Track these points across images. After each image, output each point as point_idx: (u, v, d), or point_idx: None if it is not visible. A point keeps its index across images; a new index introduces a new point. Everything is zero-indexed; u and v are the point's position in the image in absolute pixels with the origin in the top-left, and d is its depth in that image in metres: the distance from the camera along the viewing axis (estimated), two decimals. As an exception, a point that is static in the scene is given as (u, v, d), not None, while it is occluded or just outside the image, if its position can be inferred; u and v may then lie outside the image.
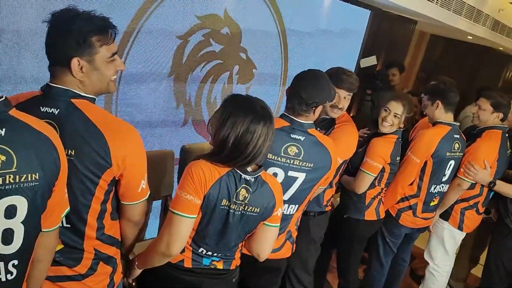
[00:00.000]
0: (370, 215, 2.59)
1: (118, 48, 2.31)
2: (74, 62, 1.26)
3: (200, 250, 1.60)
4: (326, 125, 2.29)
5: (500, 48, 7.07)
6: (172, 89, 2.73)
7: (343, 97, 2.20)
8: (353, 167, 2.53)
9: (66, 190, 1.21)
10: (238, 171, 1.53)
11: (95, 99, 1.36)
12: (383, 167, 2.48)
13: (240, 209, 1.55)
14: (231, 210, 1.54)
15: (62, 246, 1.35)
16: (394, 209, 2.72)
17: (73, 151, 1.27)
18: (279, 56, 3.36)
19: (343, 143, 2.20)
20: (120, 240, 1.52)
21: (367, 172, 2.45)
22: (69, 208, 1.24)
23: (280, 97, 3.53)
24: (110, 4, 2.21)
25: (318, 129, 2.23)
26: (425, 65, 7.81)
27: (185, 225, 1.50)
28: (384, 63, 4.31)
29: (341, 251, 2.76)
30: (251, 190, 1.55)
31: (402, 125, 2.53)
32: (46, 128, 1.12)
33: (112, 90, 1.41)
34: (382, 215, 2.64)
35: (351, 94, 2.22)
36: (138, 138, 1.39)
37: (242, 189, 1.54)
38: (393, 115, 2.47)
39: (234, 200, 1.53)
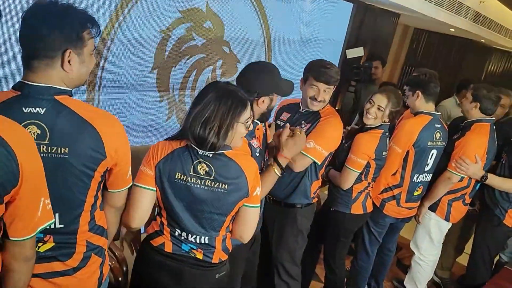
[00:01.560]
0: (356, 208, 2.59)
1: (101, 42, 2.32)
2: (67, 54, 1.24)
3: (176, 233, 1.62)
4: (311, 118, 2.29)
5: (482, 40, 7.17)
6: (155, 83, 2.71)
7: (323, 90, 2.20)
8: (339, 162, 2.54)
9: (43, 201, 1.15)
10: (194, 146, 1.53)
11: (71, 92, 1.34)
12: (368, 163, 2.49)
13: (206, 184, 1.54)
14: (191, 184, 1.54)
15: (53, 244, 1.34)
16: (378, 199, 2.75)
17: (66, 148, 1.25)
18: (262, 49, 3.36)
19: (327, 135, 2.21)
20: (106, 229, 1.51)
21: (351, 168, 2.46)
22: (52, 220, 1.19)
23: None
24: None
25: (303, 122, 2.25)
26: (409, 58, 7.88)
27: (141, 195, 1.58)
28: (368, 56, 4.33)
29: (327, 244, 2.78)
30: (212, 165, 1.54)
31: (387, 119, 2.50)
32: (7, 135, 1.04)
33: (85, 83, 1.42)
34: (370, 209, 2.65)
35: (332, 87, 2.22)
36: (123, 127, 1.40)
37: (201, 164, 1.54)
38: (377, 107, 2.46)
39: (192, 173, 1.54)
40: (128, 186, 1.50)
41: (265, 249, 2.39)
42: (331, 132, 2.24)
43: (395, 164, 2.66)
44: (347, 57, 4.16)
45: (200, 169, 1.54)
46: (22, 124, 1.20)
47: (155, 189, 1.59)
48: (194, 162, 1.54)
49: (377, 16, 4.67)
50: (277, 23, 3.40)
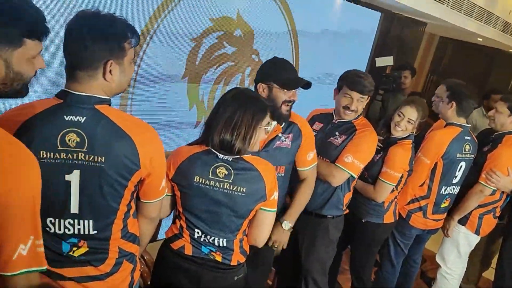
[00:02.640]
0: (388, 218, 2.60)
1: (135, 49, 2.37)
2: (109, 65, 1.27)
3: (196, 235, 1.65)
4: (346, 130, 2.29)
5: (511, 50, 7.04)
6: (186, 90, 2.76)
7: (356, 99, 2.21)
8: (370, 175, 2.53)
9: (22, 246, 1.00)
10: (213, 150, 1.59)
11: (111, 101, 1.38)
12: (401, 175, 2.50)
13: (225, 187, 1.59)
14: (210, 187, 1.59)
15: (87, 249, 1.37)
16: (404, 210, 2.73)
17: (103, 157, 1.29)
18: (290, 57, 3.38)
19: (365, 149, 2.24)
20: (139, 236, 1.54)
21: (387, 182, 2.46)
22: (30, 240, 1.02)
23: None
24: (126, 5, 2.24)
25: (337, 133, 2.25)
26: (434, 67, 7.79)
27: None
28: (395, 64, 4.30)
29: (358, 255, 2.76)
30: (231, 169, 1.58)
31: (414, 130, 2.53)
32: None
33: (125, 91, 1.45)
34: (398, 217, 2.67)
35: (365, 97, 2.22)
36: (159, 138, 1.43)
37: (220, 167, 1.58)
38: (407, 120, 2.47)
39: (210, 176, 1.58)
40: (161, 197, 1.51)
41: (294, 259, 2.41)
42: (368, 146, 2.26)
43: (423, 176, 2.64)
44: (376, 65, 4.14)
45: (219, 172, 1.59)
46: (63, 132, 1.25)
47: (172, 194, 1.68)
48: (214, 166, 1.59)
49: (404, 24, 4.64)
50: (306, 31, 3.41)
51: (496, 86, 7.85)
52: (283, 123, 1.99)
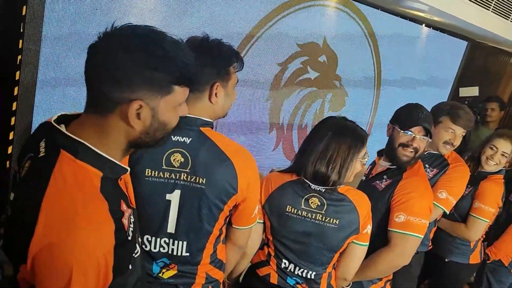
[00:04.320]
0: (475, 258, 2.46)
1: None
2: (215, 87, 1.30)
3: (283, 265, 1.61)
4: (438, 164, 2.18)
5: None
6: (268, 113, 2.77)
7: (459, 134, 2.11)
8: (459, 212, 2.40)
9: None
10: (306, 180, 1.54)
11: (213, 124, 1.40)
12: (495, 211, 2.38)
13: (317, 218, 1.54)
14: (302, 218, 1.54)
15: (176, 272, 1.38)
16: (508, 258, 2.53)
17: (204, 179, 1.29)
18: (372, 84, 3.31)
19: (459, 185, 2.14)
20: (225, 263, 1.53)
21: (482, 218, 2.32)
22: None
23: (369, 126, 3.46)
24: (223, 30, 2.31)
25: (427, 165, 2.15)
26: (514, 99, 7.32)
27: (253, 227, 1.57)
28: (480, 96, 4.09)
29: None
30: (325, 200, 1.53)
31: (507, 165, 2.41)
32: None
33: (226, 115, 1.45)
34: (483, 256, 2.53)
35: (467, 131, 2.13)
36: (256, 165, 1.41)
37: (313, 198, 1.53)
38: (501, 153, 2.36)
39: (303, 207, 1.53)
40: (252, 225, 1.48)
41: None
42: (462, 181, 2.15)
43: None
44: (460, 95, 3.97)
45: (311, 203, 1.54)
46: (169, 151, 1.28)
47: (263, 221, 1.62)
48: (306, 196, 1.55)
49: (488, 53, 4.43)
50: (390, 63, 3.34)
51: None
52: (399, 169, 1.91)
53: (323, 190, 1.54)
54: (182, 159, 1.29)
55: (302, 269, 1.61)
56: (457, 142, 2.12)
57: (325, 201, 1.55)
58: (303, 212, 1.55)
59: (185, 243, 1.36)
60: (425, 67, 3.66)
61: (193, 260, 1.38)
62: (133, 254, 1.02)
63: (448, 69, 3.97)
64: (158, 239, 1.35)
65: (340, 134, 1.53)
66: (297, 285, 1.63)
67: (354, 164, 1.54)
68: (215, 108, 1.33)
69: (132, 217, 1.00)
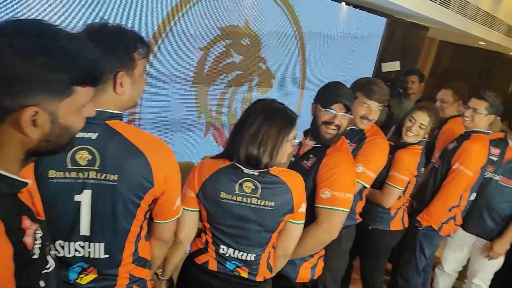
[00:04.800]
0: (396, 225, 2.55)
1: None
2: (119, 77, 1.21)
3: (221, 251, 1.61)
4: (356, 138, 2.23)
5: (511, 53, 7.04)
6: (194, 99, 2.70)
7: (374, 108, 2.15)
8: (377, 179, 2.47)
9: None
10: (238, 165, 1.53)
11: (122, 116, 1.32)
12: (409, 179, 2.45)
13: (252, 202, 1.54)
14: (237, 203, 1.54)
15: (95, 275, 1.30)
16: (438, 223, 2.66)
17: (116, 175, 1.22)
18: (297, 64, 3.33)
19: (376, 158, 2.16)
20: (150, 260, 1.46)
21: (395, 186, 2.41)
22: None
23: (299, 100, 3.49)
24: (133, 16, 2.19)
25: (348, 141, 2.19)
26: (434, 71, 7.78)
27: (186, 216, 1.58)
28: (402, 69, 4.26)
29: (366, 263, 2.71)
30: (258, 183, 1.54)
31: (427, 136, 2.51)
32: None
33: (136, 105, 1.38)
34: (407, 224, 2.62)
35: (382, 105, 2.18)
36: (174, 155, 1.36)
37: (247, 182, 1.54)
38: (419, 125, 2.45)
39: (237, 192, 1.54)
40: (176, 217, 1.43)
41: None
42: (379, 154, 2.18)
43: (464, 188, 2.60)
44: (382, 71, 4.10)
45: (245, 187, 1.54)
46: (74, 149, 1.19)
47: (198, 209, 1.61)
48: (240, 181, 1.55)
49: (407, 29, 4.62)
50: (312, 39, 3.37)
51: (496, 89, 7.80)
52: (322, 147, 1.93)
53: (256, 173, 1.54)
54: (89, 157, 1.21)
55: (241, 253, 1.61)
56: (373, 116, 2.17)
57: (259, 185, 1.55)
58: (238, 197, 1.55)
59: (102, 244, 1.28)
60: (347, 44, 3.74)
61: (113, 261, 1.31)
62: (45, 270, 0.93)
63: (371, 46, 4.09)
64: (72, 243, 1.26)
65: (270, 116, 1.52)
66: (236, 269, 1.63)
67: (285, 146, 1.55)
68: (122, 99, 1.25)
69: (39, 231, 0.90)
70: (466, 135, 2.64)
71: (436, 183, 2.66)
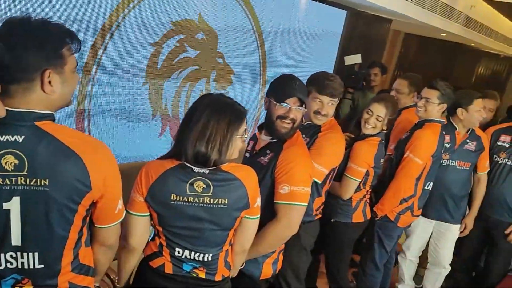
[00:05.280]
0: (357, 217, 2.55)
1: (89, 58, 2.22)
2: (46, 75, 1.13)
3: (176, 254, 1.56)
4: (311, 132, 2.19)
5: (473, 44, 7.20)
6: (148, 98, 2.62)
7: (327, 103, 2.11)
8: (338, 171, 2.47)
9: None
10: (187, 164, 1.48)
11: (54, 116, 1.24)
12: (367, 171, 2.46)
13: (205, 202, 1.49)
14: (189, 204, 1.49)
15: (31, 287, 1.23)
16: (393, 213, 2.67)
17: (47, 180, 1.14)
18: (257, 58, 3.28)
19: (327, 152, 2.12)
20: (93, 267, 1.39)
21: (352, 177, 2.42)
22: None
23: (260, 96, 3.45)
24: (77, 12, 2.09)
25: (303, 136, 2.15)
26: (400, 63, 7.89)
27: (135, 222, 1.54)
28: (365, 62, 4.28)
29: (330, 256, 2.70)
30: (210, 182, 1.48)
31: (385, 127, 2.52)
32: None
33: (70, 103, 1.30)
34: (369, 216, 2.63)
35: (336, 100, 2.14)
36: (113, 156, 1.28)
37: (198, 182, 1.48)
38: (376, 117, 2.46)
39: (188, 192, 1.48)
40: (119, 221, 1.36)
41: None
42: (330, 148, 2.14)
43: (415, 176, 2.61)
44: (345, 64, 4.10)
45: (196, 186, 1.48)
46: None
47: (148, 213, 1.55)
48: (190, 181, 1.48)
49: (369, 22, 4.64)
50: (271, 32, 3.33)
51: (460, 81, 8.00)
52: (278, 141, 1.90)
53: (207, 171, 1.48)
54: (16, 161, 1.12)
55: (198, 253, 1.56)
56: (326, 111, 2.12)
57: (210, 183, 1.49)
58: (190, 197, 1.49)
59: (36, 254, 1.20)
60: (308, 37, 3.71)
61: (50, 271, 1.24)
62: None
63: (332, 40, 4.07)
64: (2, 255, 1.18)
65: (218, 111, 1.46)
66: (194, 270, 1.58)
67: (235, 141, 1.49)
68: (51, 98, 1.17)
69: None
70: (420, 125, 2.66)
71: (391, 173, 2.68)
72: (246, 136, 1.56)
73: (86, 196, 1.20)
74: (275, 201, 1.82)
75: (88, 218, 1.29)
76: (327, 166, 2.13)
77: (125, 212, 1.40)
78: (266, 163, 1.88)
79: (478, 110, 2.73)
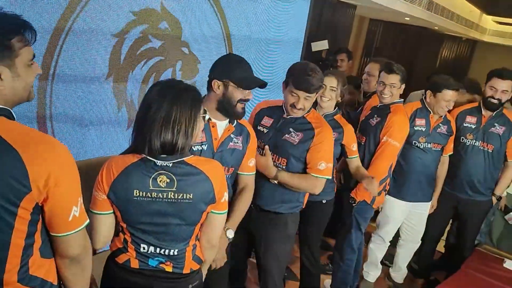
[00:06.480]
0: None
1: (48, 50, 2.14)
2: None
3: (142, 249, 1.54)
4: (303, 127, 2.19)
5: (436, 28, 7.35)
6: (112, 90, 2.55)
7: (303, 98, 2.10)
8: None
9: None
10: (149, 158, 1.44)
11: (11, 111, 1.16)
12: None
13: (169, 197, 1.46)
14: (153, 199, 1.46)
15: None
16: (371, 196, 2.70)
17: None
18: (223, 48, 3.25)
19: (330, 149, 2.21)
20: (54, 283, 1.27)
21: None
22: None
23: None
24: (34, 1, 2.00)
25: (291, 130, 2.17)
26: (366, 49, 7.98)
27: (98, 221, 1.51)
28: (331, 49, 4.30)
29: (315, 233, 2.79)
30: (174, 176, 1.46)
31: (339, 99, 2.57)
32: None
33: (32, 98, 1.23)
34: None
35: (313, 95, 2.12)
36: (64, 153, 1.17)
37: (161, 176, 1.45)
38: (330, 88, 2.49)
39: (151, 188, 1.44)
40: (78, 229, 1.22)
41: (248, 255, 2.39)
42: (330, 145, 2.22)
43: (392, 160, 2.69)
44: (312, 50, 4.11)
45: (160, 181, 1.45)
46: None
47: (112, 211, 1.52)
48: (153, 175, 1.45)
49: (335, 8, 4.66)
50: (236, 21, 3.29)
51: (425, 63, 8.16)
52: (235, 123, 1.94)
53: (170, 165, 1.45)
54: None
55: (163, 249, 1.53)
56: (302, 105, 2.11)
57: (174, 177, 1.46)
58: (153, 193, 1.45)
59: None
60: (273, 25, 3.69)
61: None
62: None
63: (297, 27, 4.06)
64: None
65: (178, 96, 1.44)
66: (160, 265, 1.56)
67: (199, 122, 1.48)
68: (3, 93, 1.12)
69: None
70: (386, 108, 2.71)
71: (365, 159, 2.71)
72: (206, 115, 1.57)
73: (26, 197, 1.10)
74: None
75: (40, 223, 1.18)
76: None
77: (87, 218, 1.27)
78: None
79: (447, 100, 2.75)
